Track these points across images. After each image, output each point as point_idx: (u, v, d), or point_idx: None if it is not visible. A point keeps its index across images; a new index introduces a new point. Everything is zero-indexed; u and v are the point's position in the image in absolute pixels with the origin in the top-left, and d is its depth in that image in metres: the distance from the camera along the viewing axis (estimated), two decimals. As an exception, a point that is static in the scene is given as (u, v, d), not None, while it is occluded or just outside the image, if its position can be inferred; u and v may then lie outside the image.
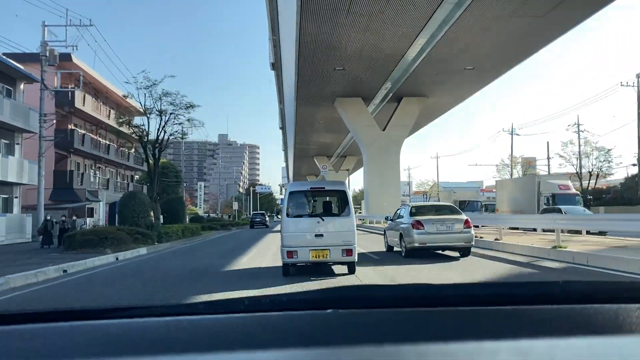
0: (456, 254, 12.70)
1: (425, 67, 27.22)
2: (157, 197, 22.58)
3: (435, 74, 28.25)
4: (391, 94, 33.11)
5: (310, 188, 10.45)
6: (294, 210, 9.67)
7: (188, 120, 22.77)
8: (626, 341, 0.87)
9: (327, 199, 10.44)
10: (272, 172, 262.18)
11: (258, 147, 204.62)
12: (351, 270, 9.40)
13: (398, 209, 15.30)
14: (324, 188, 10.41)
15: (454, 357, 0.79)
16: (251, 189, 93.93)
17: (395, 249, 13.89)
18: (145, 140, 22.20)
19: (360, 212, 71.87)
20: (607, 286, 1.37)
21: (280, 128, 58.76)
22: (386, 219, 16.77)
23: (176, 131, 23.11)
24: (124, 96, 23.25)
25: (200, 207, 64.73)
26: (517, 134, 49.43)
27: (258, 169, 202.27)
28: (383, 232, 16.25)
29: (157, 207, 22.59)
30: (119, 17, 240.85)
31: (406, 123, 33.95)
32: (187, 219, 40.61)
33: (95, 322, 1.06)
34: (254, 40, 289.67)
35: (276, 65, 33.98)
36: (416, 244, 12.14)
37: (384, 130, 34.18)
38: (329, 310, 1.02)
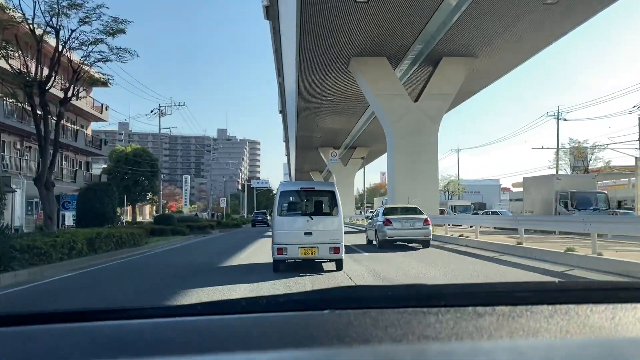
0: (419, 245, 15.71)
1: (480, 6, 18.86)
2: (50, 181, 13.81)
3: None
4: (426, 53, 24.45)
5: (301, 188, 11.02)
6: (284, 209, 9.97)
7: (113, 51, 13.96)
8: (622, 341, 0.86)
9: (317, 198, 10.50)
10: (274, 170, 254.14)
11: (259, 143, 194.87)
12: (339, 267, 9.65)
13: (376, 209, 18.13)
14: (313, 188, 11.05)
15: (452, 356, 0.79)
16: (246, 184, 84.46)
17: (374, 242, 16.84)
18: (28, 78, 13.35)
19: (372, 212, 63.26)
20: (603, 286, 1.37)
21: (280, 112, 49.73)
22: (367, 218, 20.70)
23: (98, 74, 14.17)
24: (1, 7, 14.45)
25: (185, 205, 55.94)
26: (565, 119, 40.32)
27: (259, 166, 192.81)
28: (365, 229, 19.24)
29: (50, 198, 13.81)
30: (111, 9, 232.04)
31: (447, 91, 25.26)
32: (153, 219, 31.87)
33: (90, 324, 1.04)
34: (255, 38, 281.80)
35: (271, 11, 24.96)
36: (387, 237, 15.42)
37: (416, 101, 25.53)
38: (325, 311, 1.02)
